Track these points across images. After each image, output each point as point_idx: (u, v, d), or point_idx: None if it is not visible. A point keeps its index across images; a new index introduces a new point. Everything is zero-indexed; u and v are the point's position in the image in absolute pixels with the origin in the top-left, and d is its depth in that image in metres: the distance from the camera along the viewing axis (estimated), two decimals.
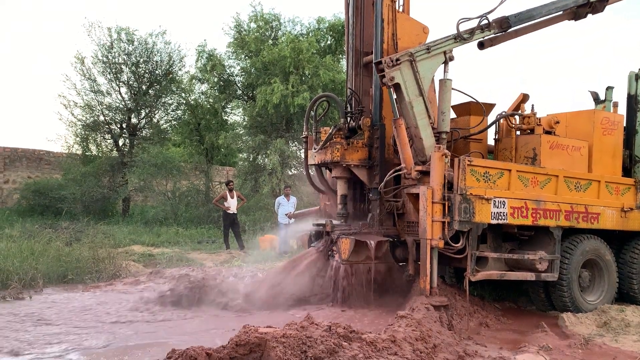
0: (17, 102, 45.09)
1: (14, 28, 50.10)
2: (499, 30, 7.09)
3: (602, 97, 9.00)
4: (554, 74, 53.06)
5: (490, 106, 7.85)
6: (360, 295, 7.08)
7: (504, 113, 7.66)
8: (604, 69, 50.75)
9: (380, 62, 6.44)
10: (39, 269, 8.53)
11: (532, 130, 7.45)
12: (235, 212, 14.13)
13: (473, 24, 6.90)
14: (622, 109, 8.63)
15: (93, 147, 21.86)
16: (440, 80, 6.85)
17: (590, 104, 9.15)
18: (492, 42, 7.32)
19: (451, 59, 6.72)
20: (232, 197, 13.99)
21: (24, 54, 49.15)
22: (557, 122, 7.60)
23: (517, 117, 7.65)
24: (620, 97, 10.30)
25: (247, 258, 12.21)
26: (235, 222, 14.12)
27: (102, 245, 10.69)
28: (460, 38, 6.75)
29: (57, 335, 5.56)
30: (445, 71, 6.75)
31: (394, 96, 6.77)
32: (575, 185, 7.30)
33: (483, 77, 53.92)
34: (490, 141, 7.98)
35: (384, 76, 6.38)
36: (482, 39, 7.12)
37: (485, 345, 5.60)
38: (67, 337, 5.52)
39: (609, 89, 8.93)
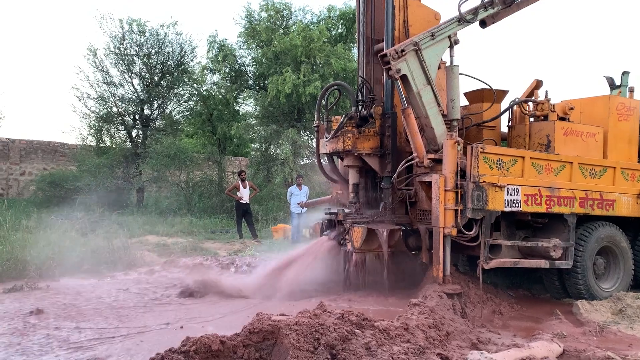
0: (31, 95, 45.57)
1: (27, 21, 50.48)
2: (503, 5, 6.97)
3: (617, 83, 8.85)
4: (569, 59, 52.33)
5: (503, 93, 7.77)
6: (373, 284, 7.09)
7: (517, 99, 7.58)
8: (620, 53, 49.91)
9: (385, 55, 6.36)
10: (54, 259, 8.65)
11: (546, 117, 7.37)
12: (248, 202, 14.19)
13: (476, 2, 6.79)
14: (639, 94, 8.50)
15: (107, 139, 22.07)
16: (447, 67, 6.79)
17: (605, 90, 9.02)
18: (494, 18, 7.16)
19: (456, 42, 6.64)
20: (244, 187, 14.06)
21: (37, 47, 49.57)
22: (572, 108, 7.50)
23: (530, 103, 7.57)
24: (636, 82, 10.13)
25: (260, 247, 12.28)
26: (248, 212, 14.19)
27: (116, 235, 10.80)
28: (463, 20, 6.66)
29: (79, 323, 5.65)
30: (451, 56, 6.68)
31: (401, 87, 6.71)
32: (590, 172, 7.22)
33: (496, 63, 53.39)
34: (504, 128, 7.93)
35: (389, 69, 6.32)
36: (484, 17, 7.00)
37: (499, 332, 5.59)
38: (86, 324, 5.61)
39: (625, 74, 8.78)
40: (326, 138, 7.64)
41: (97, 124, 21.57)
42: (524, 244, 6.87)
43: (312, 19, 21.31)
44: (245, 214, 14.13)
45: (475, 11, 6.78)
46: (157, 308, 6.47)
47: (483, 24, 7.14)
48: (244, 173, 14.60)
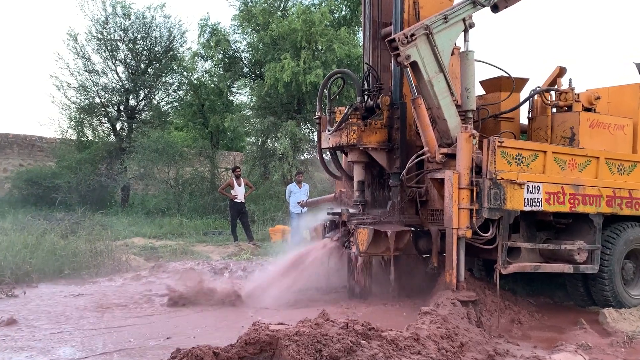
0: (6, 84, 45.60)
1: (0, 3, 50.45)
2: None
3: None
4: (595, 44, 52.22)
5: (523, 81, 7.76)
6: (380, 290, 7.10)
7: (538, 88, 7.57)
8: None
9: (393, 40, 6.35)
10: (32, 264, 8.67)
11: (569, 107, 7.36)
12: (244, 201, 14.20)
13: None
14: None
15: (89, 132, 22.09)
16: (461, 53, 6.78)
17: (635, 77, 8.99)
18: (507, 2, 7.18)
19: (471, 26, 6.63)
20: (239, 185, 14.06)
21: (12, 31, 49.60)
22: (598, 98, 7.49)
23: (552, 92, 7.55)
24: None
25: (256, 251, 12.29)
26: (243, 212, 14.20)
27: (100, 237, 10.82)
28: (478, 2, 6.66)
29: (58, 335, 5.66)
30: (465, 40, 6.68)
31: (411, 75, 6.70)
32: (618, 168, 7.21)
33: (515, 49, 53.29)
34: (523, 120, 7.91)
35: (398, 55, 6.31)
36: (497, 1, 6.99)
37: (518, 343, 5.60)
38: (71, 335, 5.62)
39: None
40: (329, 131, 7.64)
41: (78, 116, 21.59)
42: (546, 246, 6.86)
43: (313, 0, 21.29)
44: (240, 215, 14.16)
45: None
46: (143, 318, 6.47)
47: (495, 8, 7.14)
48: (238, 169, 14.60)
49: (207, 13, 42.99)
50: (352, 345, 4.03)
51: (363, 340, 4.20)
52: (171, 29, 21.92)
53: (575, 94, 7.40)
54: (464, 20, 6.58)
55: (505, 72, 7.42)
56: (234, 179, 14.19)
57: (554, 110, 7.56)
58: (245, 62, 21.85)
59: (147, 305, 7.11)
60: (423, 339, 4.52)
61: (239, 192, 14.03)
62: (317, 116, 8.13)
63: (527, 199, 6.40)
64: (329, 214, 7.66)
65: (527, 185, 6.39)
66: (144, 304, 7.20)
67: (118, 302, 7.24)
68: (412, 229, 7.06)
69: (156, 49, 21.79)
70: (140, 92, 22.05)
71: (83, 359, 4.89)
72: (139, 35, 21.42)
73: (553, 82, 7.71)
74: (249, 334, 4.04)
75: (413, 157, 6.80)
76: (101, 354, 5.03)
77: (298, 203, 12.91)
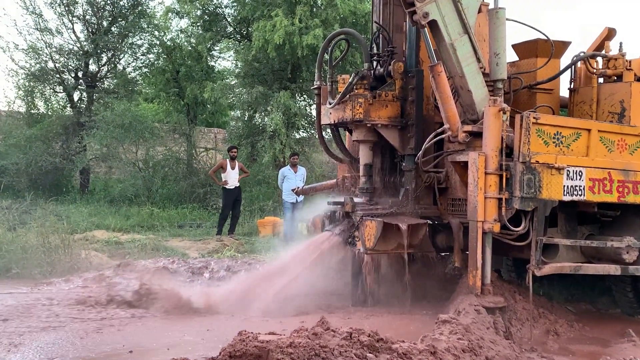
0: None
1: None
2: None
3: None
4: None
5: (564, 45, 7.74)
6: (390, 295, 7.14)
7: (582, 54, 7.55)
8: None
9: None
10: None
11: (619, 77, 7.35)
12: (239, 185, 14.15)
13: None
14: None
15: (40, 103, 21.99)
16: (490, 11, 6.76)
17: None
18: None
19: None
20: (232, 168, 13.99)
21: None
22: None
23: (599, 59, 7.54)
24: None
25: (242, 247, 12.33)
26: (238, 200, 14.16)
27: (54, 230, 10.82)
28: None
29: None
30: None
31: (430, 37, 6.68)
32: None
33: (554, 5, 53.02)
34: (564, 92, 7.90)
35: (414, 12, 6.29)
36: None
37: (554, 358, 5.64)
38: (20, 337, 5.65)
39: None
40: (330, 104, 7.64)
41: (27, 84, 21.47)
42: (588, 243, 6.90)
43: None
44: (235, 203, 14.10)
45: None
46: (106, 327, 6.50)
47: None
48: (235, 150, 14.49)
49: None
50: (357, 359, 4.07)
51: (369, 353, 4.24)
52: None
53: (627, 60, 7.38)
54: None
55: (543, 33, 7.40)
56: (227, 160, 14.14)
57: (601, 80, 7.55)
58: (229, 19, 21.72)
59: (111, 310, 7.13)
60: (441, 352, 4.55)
61: (231, 177, 13.97)
62: (315, 86, 8.11)
63: (567, 186, 6.42)
64: (329, 203, 7.67)
65: (567, 170, 6.40)
66: (107, 308, 7.23)
67: (77, 306, 7.29)
68: (429, 221, 7.08)
69: (122, 3, 21.63)
70: (103, 55, 21.92)
71: None
72: None
73: (600, 46, 7.69)
74: (234, 345, 4.07)
75: (431, 136, 6.80)
76: None
77: (292, 190, 12.90)
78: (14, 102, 21.99)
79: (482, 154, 6.13)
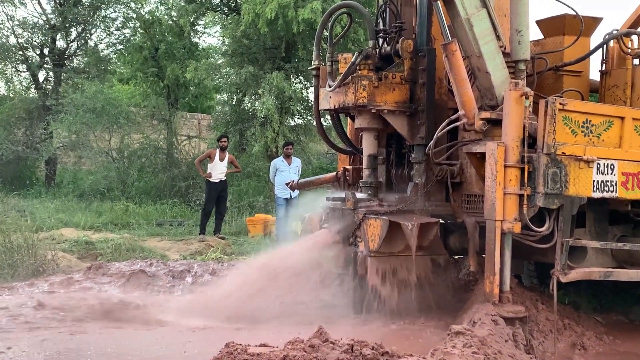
0: None
1: None
2: None
3: None
4: None
5: (595, 21, 7.73)
6: (397, 302, 7.15)
7: (615, 32, 7.55)
8: None
9: None
10: None
11: None
12: (225, 180, 14.14)
13: None
14: None
15: (1, 84, 22.00)
16: None
17: None
18: None
19: None
20: (221, 160, 13.98)
21: None
22: None
23: (635, 37, 7.54)
24: None
25: (228, 248, 12.34)
26: (222, 195, 14.14)
27: (17, 227, 10.82)
28: None
29: None
30: None
31: (443, 11, 6.66)
32: None
33: None
34: (594, 74, 7.91)
35: None
36: None
37: None
38: None
39: None
40: (330, 87, 7.63)
41: None
42: (620, 246, 6.90)
43: None
44: (219, 199, 14.10)
45: None
46: (77, 335, 6.51)
47: None
48: (225, 139, 14.48)
49: None
50: None
51: None
52: None
53: None
54: None
55: (572, 8, 7.38)
56: (217, 150, 14.12)
57: (636, 62, 7.56)
58: None
59: (80, 318, 7.14)
60: None
61: (217, 169, 13.95)
62: (313, 66, 8.10)
63: (597, 181, 6.42)
64: (328, 199, 7.67)
65: (598, 164, 6.40)
66: (77, 315, 7.24)
67: (40, 313, 7.29)
68: (441, 220, 7.09)
69: None
70: (72, 29, 21.92)
71: None
72: None
73: (636, 23, 7.69)
74: (221, 358, 4.08)
75: (443, 124, 6.79)
76: None
77: (286, 184, 12.93)
78: None
79: (502, 145, 6.12)
